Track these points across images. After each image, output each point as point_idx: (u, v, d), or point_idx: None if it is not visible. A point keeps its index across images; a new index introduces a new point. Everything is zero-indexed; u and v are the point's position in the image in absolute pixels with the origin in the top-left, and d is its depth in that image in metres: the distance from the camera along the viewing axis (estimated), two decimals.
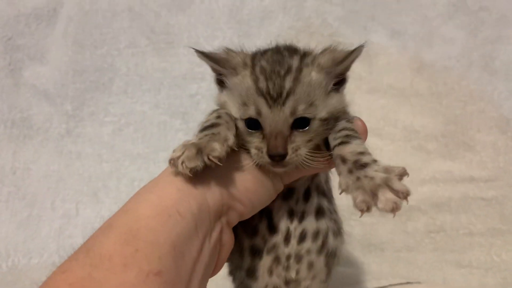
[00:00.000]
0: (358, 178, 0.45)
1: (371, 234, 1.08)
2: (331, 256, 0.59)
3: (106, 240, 0.41)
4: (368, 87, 1.16)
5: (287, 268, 0.57)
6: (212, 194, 0.47)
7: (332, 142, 0.51)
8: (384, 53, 1.18)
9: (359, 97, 1.17)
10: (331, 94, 0.53)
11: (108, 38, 1.16)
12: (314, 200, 0.58)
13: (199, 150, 0.46)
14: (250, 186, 0.51)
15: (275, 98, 0.49)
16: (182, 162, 0.45)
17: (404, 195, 0.44)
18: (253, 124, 0.50)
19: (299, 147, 0.49)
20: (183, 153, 0.46)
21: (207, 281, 0.51)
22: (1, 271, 1.07)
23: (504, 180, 1.05)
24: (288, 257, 0.57)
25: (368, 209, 0.43)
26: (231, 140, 0.49)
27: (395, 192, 0.43)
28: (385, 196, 0.43)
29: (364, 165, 0.46)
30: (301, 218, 0.58)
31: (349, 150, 0.48)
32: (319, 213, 0.58)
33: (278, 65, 0.51)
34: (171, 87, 1.16)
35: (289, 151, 0.49)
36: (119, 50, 1.16)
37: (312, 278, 0.57)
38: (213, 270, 0.53)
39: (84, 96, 1.16)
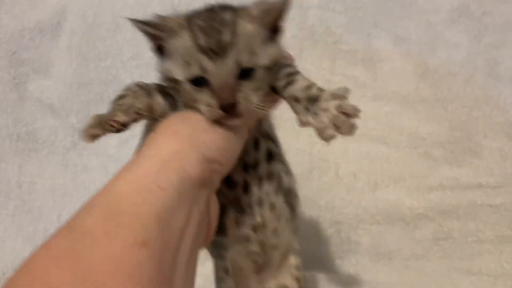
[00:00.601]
0: (315, 114, 0.49)
1: (379, 242, 1.07)
2: (289, 194, 0.63)
3: (87, 217, 0.41)
4: (372, 94, 1.16)
5: (251, 215, 0.59)
6: (190, 164, 0.47)
7: (279, 85, 0.54)
8: (388, 59, 1.17)
9: (364, 104, 1.13)
10: (269, 43, 0.54)
11: (112, 50, 1.17)
12: (263, 146, 0.61)
13: (102, 119, 0.51)
14: (221, 144, 0.52)
15: (216, 52, 0.50)
16: (85, 130, 0.50)
17: (356, 114, 0.49)
18: (199, 82, 0.52)
19: (248, 95, 0.51)
20: (89, 126, 0.51)
21: (198, 250, 0.52)
22: None
23: (511, 186, 1.05)
24: (250, 205, 0.60)
25: (333, 137, 0.49)
26: (136, 107, 0.52)
27: (348, 115, 0.49)
28: (344, 124, 0.48)
29: (315, 99, 0.50)
30: (255, 166, 0.60)
31: (298, 88, 0.52)
32: (270, 157, 0.61)
33: (213, 21, 0.52)
34: None
35: (240, 100, 0.50)
36: (123, 62, 1.16)
37: (277, 218, 0.60)
38: (205, 238, 0.54)
39: (89, 109, 1.16)
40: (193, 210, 0.47)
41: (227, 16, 0.53)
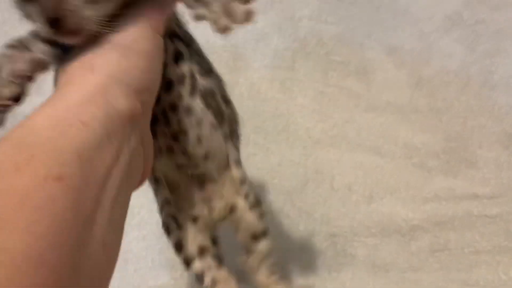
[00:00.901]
0: (207, 4, 0.44)
1: (375, 255, 1.06)
2: (209, 96, 0.55)
3: None
4: (366, 104, 1.16)
5: (167, 123, 0.52)
6: (116, 98, 0.42)
7: None
8: (381, 69, 1.17)
9: (358, 115, 1.16)
10: None
11: None
12: (170, 47, 0.53)
13: None
14: (144, 66, 0.46)
15: None
16: None
17: (244, 15, 0.42)
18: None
19: (78, 7, 0.43)
20: None
21: (131, 189, 0.47)
22: None
23: (508, 197, 1.04)
24: (163, 111, 0.52)
25: (228, 29, 0.43)
26: (18, 71, 0.45)
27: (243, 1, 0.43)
28: (239, 10, 0.42)
29: None
30: (164, 67, 0.51)
31: None
32: (178, 58, 0.53)
33: None
34: None
35: (65, 13, 0.42)
36: None
37: (197, 123, 0.53)
38: (142, 175, 0.49)
39: None
40: (123, 148, 0.42)
41: None
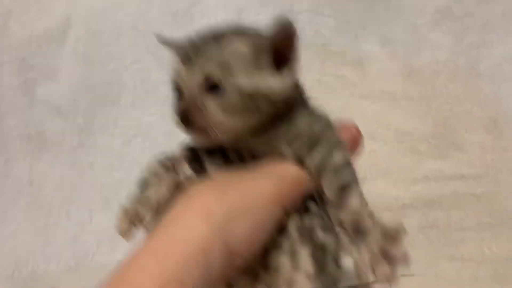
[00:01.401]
0: (358, 247, 0.44)
1: None
2: (320, 250, 0.51)
3: None
4: (361, 92, 1.23)
5: (265, 255, 0.49)
6: (215, 258, 0.42)
7: (327, 194, 0.47)
8: (375, 60, 1.24)
9: (353, 102, 1.23)
10: (266, 70, 0.49)
11: (115, 55, 1.24)
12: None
13: (130, 219, 0.49)
14: (252, 236, 0.45)
15: (189, 57, 0.48)
16: (117, 227, 0.49)
17: (402, 260, 0.44)
18: (177, 88, 0.50)
19: (209, 110, 0.46)
20: (119, 222, 0.49)
21: None
22: (22, 277, 1.14)
23: (492, 177, 1.11)
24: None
25: (367, 280, 0.44)
26: (159, 201, 0.49)
27: (392, 260, 0.43)
28: (381, 271, 0.43)
29: (363, 232, 0.44)
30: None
31: (347, 216, 0.45)
32: (303, 211, 0.52)
33: (207, 32, 0.50)
34: None
35: (195, 110, 0.46)
36: (125, 66, 1.23)
37: (295, 268, 0.49)
38: None
39: (95, 110, 1.23)
40: None
41: (225, 30, 0.50)
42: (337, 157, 0.48)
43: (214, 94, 0.47)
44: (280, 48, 0.48)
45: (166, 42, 0.54)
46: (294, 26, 0.47)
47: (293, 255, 0.49)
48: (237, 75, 0.47)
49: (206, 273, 0.41)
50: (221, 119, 0.46)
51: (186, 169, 0.52)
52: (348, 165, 0.48)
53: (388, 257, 0.43)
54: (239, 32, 0.50)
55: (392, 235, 0.45)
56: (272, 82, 0.48)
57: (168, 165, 0.53)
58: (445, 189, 1.13)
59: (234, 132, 0.48)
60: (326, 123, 0.53)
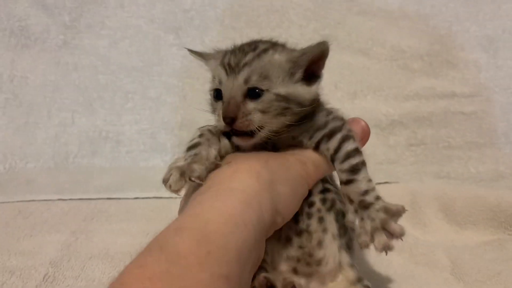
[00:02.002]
0: (362, 219, 0.52)
1: None
2: (341, 216, 0.60)
3: (180, 239, 0.43)
4: (358, 9, 1.19)
5: (296, 221, 0.58)
6: (266, 209, 0.49)
7: (340, 175, 0.56)
8: None
9: (350, 18, 1.20)
10: (299, 82, 0.57)
11: None
12: (319, 186, 0.62)
13: (182, 173, 0.53)
14: (290, 199, 0.54)
15: (233, 68, 0.54)
16: (170, 186, 0.52)
17: (398, 235, 0.50)
18: (219, 94, 0.56)
19: (250, 113, 0.54)
20: (170, 176, 0.53)
21: None
22: None
23: (483, 96, 1.10)
24: (297, 215, 0.58)
25: (367, 246, 0.52)
26: (212, 156, 0.55)
27: (390, 234, 0.51)
28: (379, 239, 0.50)
29: (367, 206, 0.52)
30: (308, 195, 0.60)
31: (355, 190, 0.53)
32: (324, 191, 0.62)
33: (247, 46, 0.57)
34: (165, 2, 1.19)
35: (239, 115, 0.53)
36: None
37: (323, 230, 0.59)
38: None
39: (82, 8, 1.18)
40: (259, 253, 0.49)
41: (263, 45, 0.57)
42: (349, 146, 0.56)
43: (254, 99, 0.54)
44: (312, 65, 0.57)
45: (198, 55, 0.62)
46: (329, 49, 0.56)
47: (321, 220, 0.59)
48: (276, 84, 0.55)
49: (261, 219, 0.48)
50: (261, 120, 0.54)
51: (226, 141, 0.58)
52: (357, 151, 0.56)
53: (387, 230, 0.51)
54: (277, 47, 0.58)
55: (391, 211, 0.51)
56: (303, 92, 0.57)
57: (216, 132, 0.58)
58: (435, 107, 1.11)
59: (270, 130, 0.55)
60: (341, 120, 0.60)
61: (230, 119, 0.53)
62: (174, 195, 0.54)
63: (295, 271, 0.59)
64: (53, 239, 0.82)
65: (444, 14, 1.15)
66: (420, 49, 1.14)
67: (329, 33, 1.18)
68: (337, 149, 0.56)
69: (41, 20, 1.18)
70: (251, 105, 0.54)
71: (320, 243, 0.59)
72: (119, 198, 0.99)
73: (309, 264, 0.59)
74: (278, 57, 0.56)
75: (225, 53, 0.58)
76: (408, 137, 1.12)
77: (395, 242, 0.50)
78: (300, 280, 0.59)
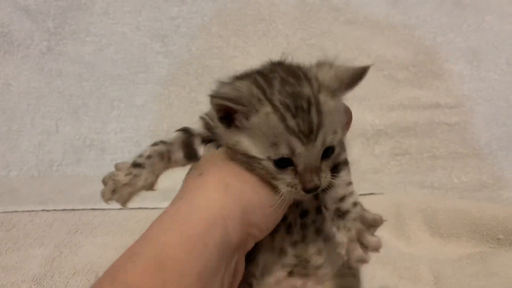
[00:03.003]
0: (338, 228, 0.50)
1: None
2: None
3: (132, 268, 0.40)
4: (345, 18, 1.20)
5: (289, 233, 0.56)
6: (233, 226, 0.46)
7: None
8: None
9: (336, 28, 1.21)
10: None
11: None
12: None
13: (114, 191, 0.52)
14: (267, 210, 0.50)
15: (307, 135, 0.48)
16: (102, 195, 0.52)
17: (373, 249, 0.48)
18: (283, 162, 0.49)
19: (327, 174, 0.50)
20: (105, 185, 0.53)
21: None
22: None
23: (467, 107, 1.11)
24: (289, 226, 0.57)
25: (343, 259, 0.50)
26: (149, 184, 0.53)
27: (365, 247, 0.48)
28: (354, 252, 0.48)
29: (343, 215, 0.50)
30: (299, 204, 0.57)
31: (331, 195, 0.51)
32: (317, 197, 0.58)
33: (297, 99, 0.49)
34: (152, 9, 1.18)
35: (322, 181, 0.49)
36: None
37: (323, 240, 0.56)
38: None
39: (66, 15, 1.17)
40: (226, 273, 0.46)
41: (306, 90, 0.49)
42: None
43: (327, 158, 0.50)
44: (352, 87, 0.53)
45: (226, 99, 0.51)
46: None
47: (319, 232, 0.56)
48: (338, 130, 0.50)
49: (226, 237, 0.45)
50: (329, 176, 0.50)
51: (180, 155, 0.56)
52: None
53: (362, 242, 0.48)
54: (315, 84, 0.51)
55: (368, 221, 0.49)
56: (344, 119, 0.53)
57: (164, 152, 0.55)
58: (420, 117, 1.12)
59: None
60: None
61: (314, 188, 0.49)
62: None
63: (291, 273, 0.57)
64: (37, 253, 0.81)
65: (429, 25, 1.16)
66: (405, 60, 1.16)
67: (316, 43, 1.19)
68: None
69: (24, 26, 1.16)
70: (325, 165, 0.50)
71: (320, 251, 0.57)
72: (103, 209, 0.98)
73: (306, 268, 0.57)
74: (331, 102, 0.50)
75: (280, 113, 0.48)
76: (393, 146, 1.13)
77: (377, 254, 0.48)
78: (296, 282, 0.57)
